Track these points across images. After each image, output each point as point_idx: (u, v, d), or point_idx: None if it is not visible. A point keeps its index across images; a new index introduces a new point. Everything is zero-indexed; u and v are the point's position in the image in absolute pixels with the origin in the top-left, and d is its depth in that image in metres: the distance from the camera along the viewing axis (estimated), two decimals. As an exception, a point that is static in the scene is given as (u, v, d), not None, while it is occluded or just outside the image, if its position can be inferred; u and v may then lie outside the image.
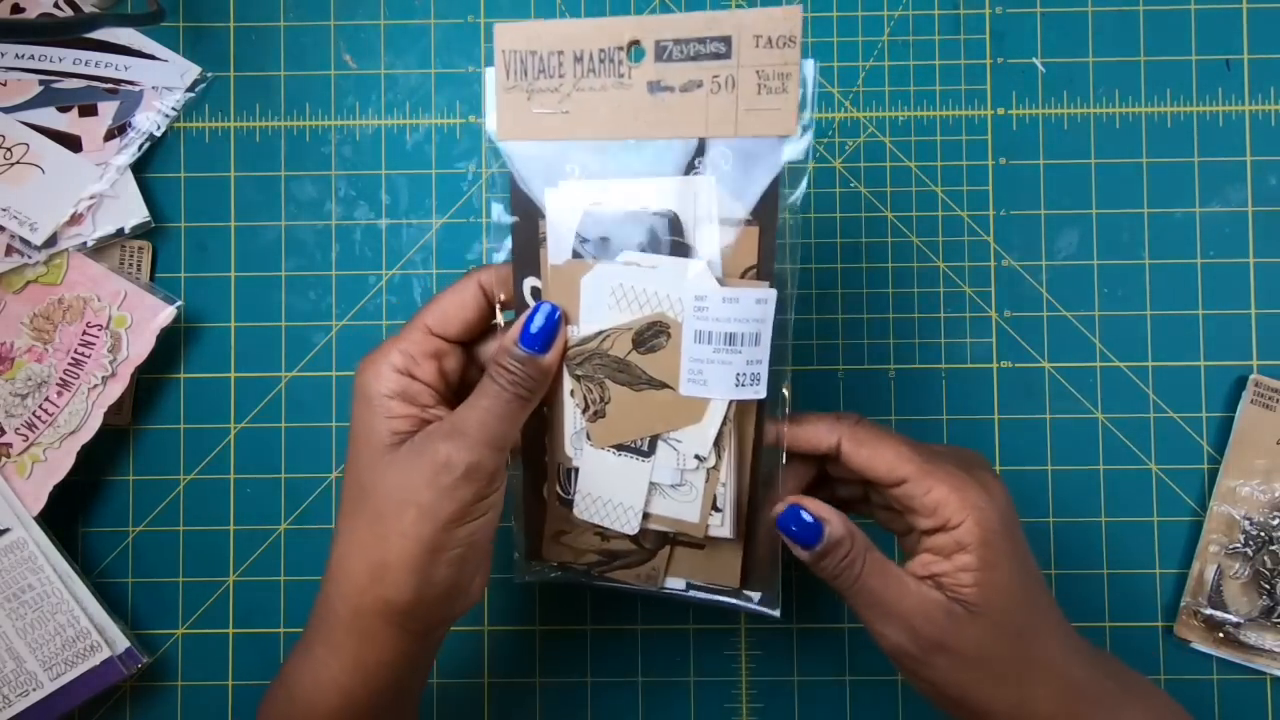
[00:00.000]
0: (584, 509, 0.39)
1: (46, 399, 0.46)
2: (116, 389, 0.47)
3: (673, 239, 0.35)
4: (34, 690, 0.45)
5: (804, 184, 0.36)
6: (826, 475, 0.41)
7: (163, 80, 0.49)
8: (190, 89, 0.49)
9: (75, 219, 0.47)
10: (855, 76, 0.50)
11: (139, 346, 0.47)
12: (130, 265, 0.48)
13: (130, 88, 0.49)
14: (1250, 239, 0.49)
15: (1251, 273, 0.49)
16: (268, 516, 0.49)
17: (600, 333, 0.36)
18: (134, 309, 0.47)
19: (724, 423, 0.36)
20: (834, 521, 0.36)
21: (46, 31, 0.48)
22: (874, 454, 0.37)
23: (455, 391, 0.39)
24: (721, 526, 0.37)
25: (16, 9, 0.49)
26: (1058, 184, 0.49)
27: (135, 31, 0.49)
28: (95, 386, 0.46)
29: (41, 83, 0.48)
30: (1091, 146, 0.49)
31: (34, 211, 0.47)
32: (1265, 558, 0.47)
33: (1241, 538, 0.47)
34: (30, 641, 0.45)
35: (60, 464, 0.46)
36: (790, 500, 0.37)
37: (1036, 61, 0.50)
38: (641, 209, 0.35)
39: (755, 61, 0.34)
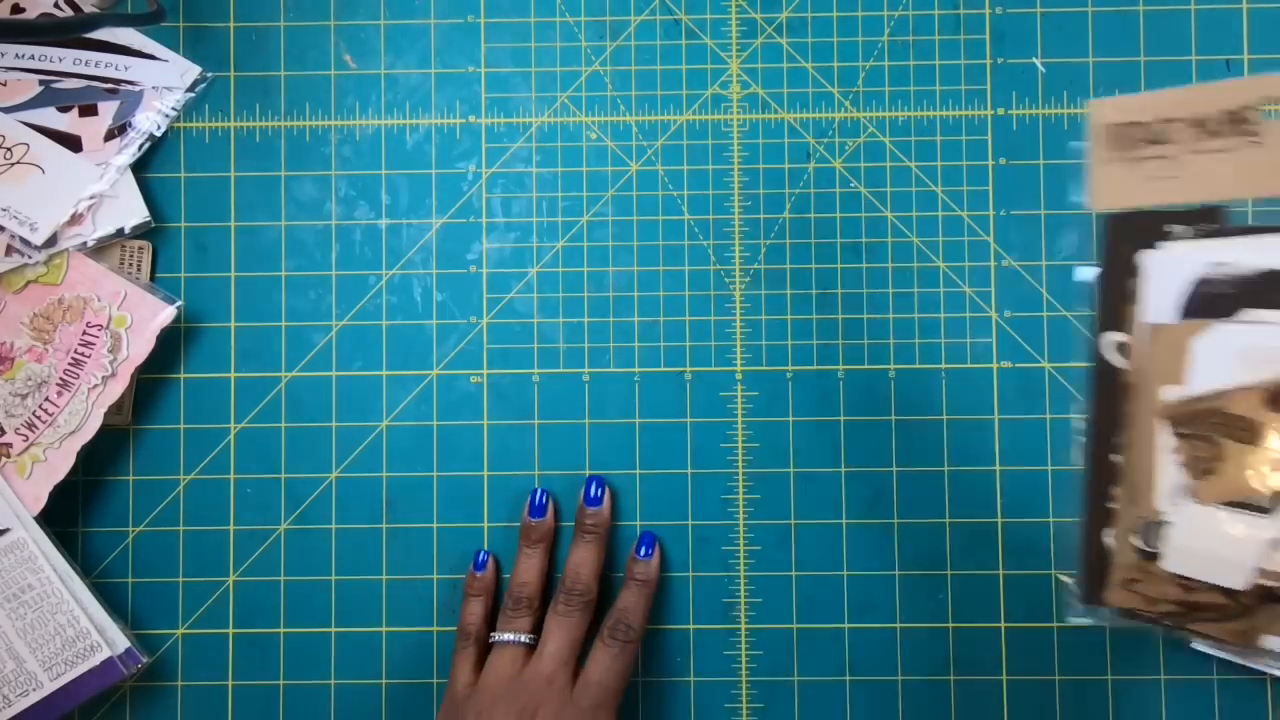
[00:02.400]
0: (1176, 562, 0.36)
1: (46, 399, 0.46)
2: (116, 389, 0.47)
3: None
4: (34, 690, 0.45)
5: None
6: None
7: (163, 80, 0.49)
8: (190, 89, 0.49)
9: (75, 219, 0.47)
10: (855, 76, 0.50)
11: (139, 346, 0.47)
12: (130, 265, 0.48)
13: (130, 88, 0.49)
14: (1250, 239, 0.49)
15: (1251, 273, 0.49)
16: (268, 516, 0.49)
17: (1217, 392, 0.34)
18: (134, 309, 0.47)
19: None
20: None
21: (46, 31, 0.48)
22: None
23: None
24: None
25: (16, 9, 0.49)
26: (1058, 184, 0.49)
27: (135, 31, 0.49)
28: (95, 386, 0.46)
29: (41, 83, 0.48)
30: (1091, 146, 0.49)
31: (34, 211, 0.47)
32: (1265, 558, 0.47)
33: (1242, 538, 0.47)
34: (30, 641, 0.45)
35: (60, 464, 0.46)
36: None
37: (1036, 61, 0.50)
38: (1271, 267, 0.33)
39: None
